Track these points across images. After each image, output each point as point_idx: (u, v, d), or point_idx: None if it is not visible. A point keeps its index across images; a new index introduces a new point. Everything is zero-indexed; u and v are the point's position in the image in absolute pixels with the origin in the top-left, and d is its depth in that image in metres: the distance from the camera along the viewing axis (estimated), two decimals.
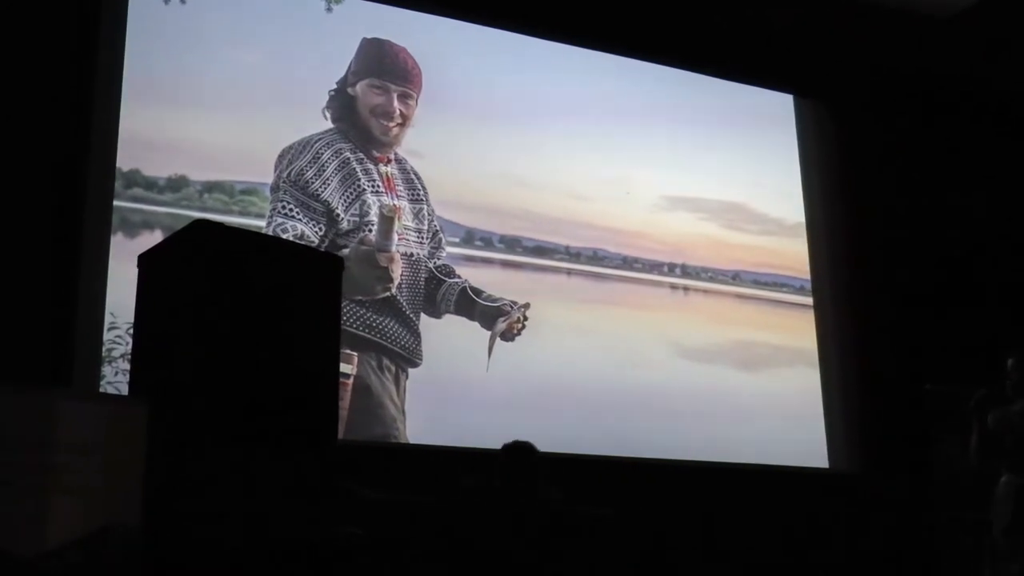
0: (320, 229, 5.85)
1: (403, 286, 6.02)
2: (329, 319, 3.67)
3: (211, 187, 5.78)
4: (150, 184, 5.62)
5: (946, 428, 7.16)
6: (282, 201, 5.83)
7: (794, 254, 7.33)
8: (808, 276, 7.34)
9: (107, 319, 5.28)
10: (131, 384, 3.85)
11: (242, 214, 5.79)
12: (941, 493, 6.98)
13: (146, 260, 3.76)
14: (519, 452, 4.71)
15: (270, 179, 5.86)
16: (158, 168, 5.66)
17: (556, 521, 4.63)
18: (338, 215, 5.92)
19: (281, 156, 5.92)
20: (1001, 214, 7.86)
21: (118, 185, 5.55)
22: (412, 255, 6.11)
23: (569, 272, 6.55)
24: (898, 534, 6.85)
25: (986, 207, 7.82)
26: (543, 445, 5.94)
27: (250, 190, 5.86)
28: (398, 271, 6.01)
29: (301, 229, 5.78)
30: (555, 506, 4.62)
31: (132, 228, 5.54)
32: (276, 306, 3.45)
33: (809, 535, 6.56)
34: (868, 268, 7.40)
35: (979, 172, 7.86)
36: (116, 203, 5.52)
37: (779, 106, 7.63)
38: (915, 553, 6.85)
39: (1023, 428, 4.97)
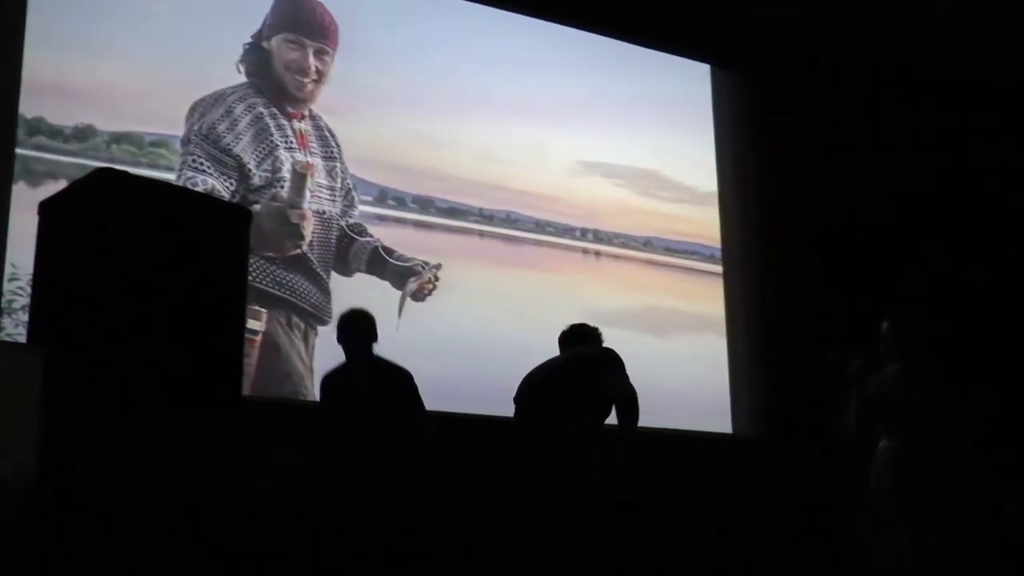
0: (231, 184, 5.77)
1: (314, 244, 5.98)
2: (236, 272, 3.63)
3: (119, 138, 5.67)
4: (55, 133, 5.49)
5: (849, 396, 7.33)
6: (193, 155, 5.73)
7: (705, 222, 7.42)
8: (718, 244, 7.43)
9: (8, 270, 5.16)
10: (29, 334, 3.78)
11: (151, 166, 5.68)
12: (841, 460, 7.15)
13: (47, 208, 3.68)
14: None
15: (181, 132, 5.76)
16: (64, 117, 5.52)
17: None
18: (250, 170, 5.85)
19: (193, 109, 5.82)
20: (910, 185, 8.01)
21: (21, 133, 5.40)
22: (324, 213, 6.06)
23: (482, 234, 6.55)
24: (799, 500, 6.99)
25: (894, 179, 7.94)
26: (451, 406, 5.98)
27: (160, 142, 5.76)
28: (309, 228, 5.97)
29: (212, 183, 5.70)
30: None
31: (35, 177, 5.40)
32: (181, 257, 3.40)
33: (712, 500, 6.67)
34: (777, 238, 7.50)
35: (889, 145, 7.98)
36: (18, 151, 5.38)
37: (696, 76, 7.69)
38: (816, 519, 7.01)
39: (898, 392, 5.03)
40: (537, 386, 4.99)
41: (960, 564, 4.76)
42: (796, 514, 6.90)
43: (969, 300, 7.46)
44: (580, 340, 5.14)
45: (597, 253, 6.91)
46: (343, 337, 4.91)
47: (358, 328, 4.92)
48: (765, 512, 6.83)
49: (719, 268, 7.40)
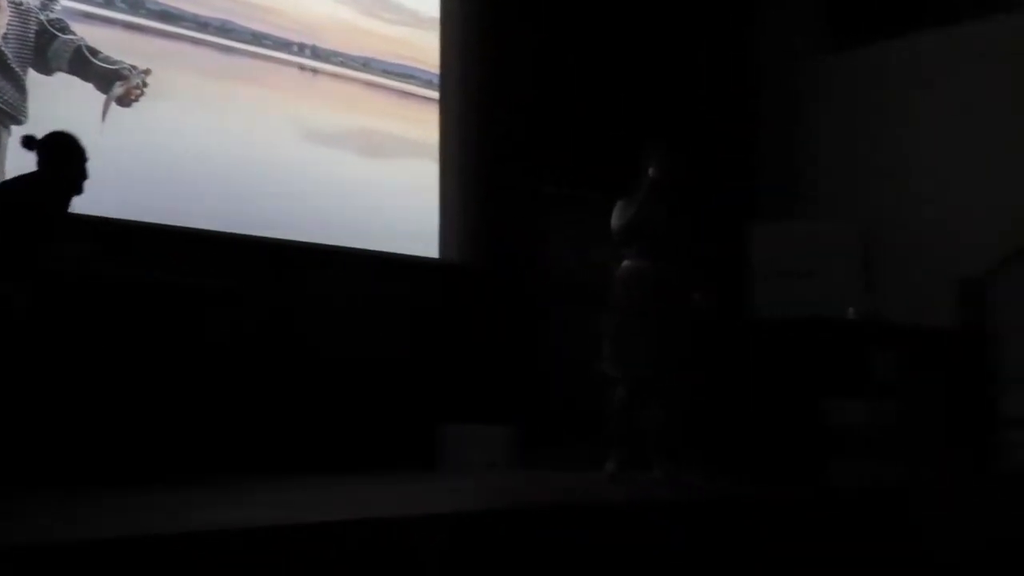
0: None
1: (9, 37, 5.60)
2: None
3: None
4: None
5: (561, 230, 7.65)
6: None
7: (426, 47, 7.38)
8: (437, 70, 7.44)
9: None
10: None
11: None
12: (551, 287, 7.49)
13: None
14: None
15: None
16: None
17: None
18: None
19: None
20: (645, 17, 8.23)
21: None
22: (21, 4, 5.67)
23: (195, 42, 6.29)
24: (508, 323, 7.29)
25: (616, 9, 8.13)
26: (158, 217, 5.87)
27: None
28: (3, 20, 5.58)
29: None
30: None
31: None
32: None
33: (416, 322, 6.87)
34: (497, 68, 7.59)
35: None
36: None
37: None
38: (523, 341, 7.35)
39: (648, 219, 5.50)
40: None
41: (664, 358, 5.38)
42: (500, 334, 7.21)
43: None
44: None
45: (314, 70, 6.78)
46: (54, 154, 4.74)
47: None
48: (468, 335, 7.10)
49: (436, 94, 7.43)
